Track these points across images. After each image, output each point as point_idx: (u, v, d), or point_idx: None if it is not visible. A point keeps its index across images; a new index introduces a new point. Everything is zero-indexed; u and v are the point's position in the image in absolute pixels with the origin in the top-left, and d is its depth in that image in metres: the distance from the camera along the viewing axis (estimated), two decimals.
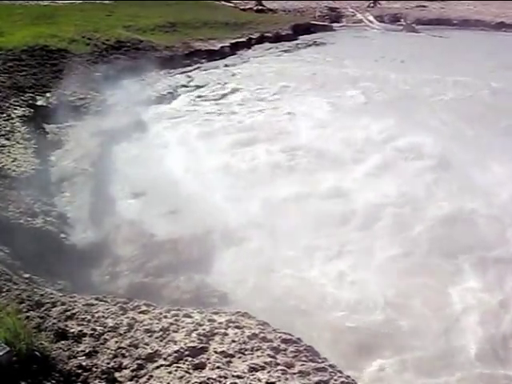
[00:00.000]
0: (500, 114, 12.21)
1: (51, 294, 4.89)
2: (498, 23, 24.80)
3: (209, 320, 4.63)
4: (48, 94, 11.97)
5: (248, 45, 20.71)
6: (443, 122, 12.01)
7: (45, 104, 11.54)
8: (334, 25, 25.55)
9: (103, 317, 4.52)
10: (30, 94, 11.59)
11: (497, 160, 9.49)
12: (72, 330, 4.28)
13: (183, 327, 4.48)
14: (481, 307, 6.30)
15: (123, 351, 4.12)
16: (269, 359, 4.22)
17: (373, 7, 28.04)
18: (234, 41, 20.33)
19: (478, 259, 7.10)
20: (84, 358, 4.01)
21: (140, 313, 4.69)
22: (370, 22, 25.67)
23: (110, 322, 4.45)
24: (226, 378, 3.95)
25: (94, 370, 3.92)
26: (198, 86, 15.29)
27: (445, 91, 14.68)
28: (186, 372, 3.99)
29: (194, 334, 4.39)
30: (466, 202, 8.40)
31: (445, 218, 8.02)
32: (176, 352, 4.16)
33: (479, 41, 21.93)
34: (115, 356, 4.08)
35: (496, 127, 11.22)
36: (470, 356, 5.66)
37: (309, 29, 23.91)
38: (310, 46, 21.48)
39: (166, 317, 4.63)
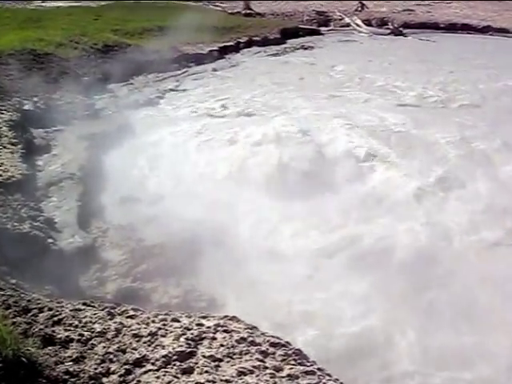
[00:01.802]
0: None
1: (38, 299, 4.86)
2: (484, 27, 24.95)
3: (197, 324, 4.62)
4: (35, 99, 11.89)
5: (236, 49, 20.70)
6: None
7: (32, 108, 11.47)
8: (322, 29, 25.57)
9: (91, 322, 4.50)
10: (17, 99, 11.51)
11: None
12: (59, 336, 4.26)
13: (171, 332, 4.47)
14: None
15: (111, 356, 4.10)
16: (257, 363, 4.21)
17: (360, 11, 28.14)
18: (222, 45, 20.29)
19: None
20: (71, 363, 3.99)
21: (128, 317, 4.67)
22: (358, 25, 25.74)
23: (98, 327, 4.43)
24: (214, 382, 3.94)
25: (82, 375, 3.89)
26: (186, 90, 15.28)
27: (429, 92, 14.76)
28: (174, 377, 3.97)
29: (182, 339, 4.37)
30: None
31: None
32: (164, 357, 4.14)
33: (465, 44, 22.09)
34: (103, 361, 4.05)
35: None
36: None
37: (297, 33, 23.91)
38: (298, 49, 21.48)
39: (153, 321, 4.62)
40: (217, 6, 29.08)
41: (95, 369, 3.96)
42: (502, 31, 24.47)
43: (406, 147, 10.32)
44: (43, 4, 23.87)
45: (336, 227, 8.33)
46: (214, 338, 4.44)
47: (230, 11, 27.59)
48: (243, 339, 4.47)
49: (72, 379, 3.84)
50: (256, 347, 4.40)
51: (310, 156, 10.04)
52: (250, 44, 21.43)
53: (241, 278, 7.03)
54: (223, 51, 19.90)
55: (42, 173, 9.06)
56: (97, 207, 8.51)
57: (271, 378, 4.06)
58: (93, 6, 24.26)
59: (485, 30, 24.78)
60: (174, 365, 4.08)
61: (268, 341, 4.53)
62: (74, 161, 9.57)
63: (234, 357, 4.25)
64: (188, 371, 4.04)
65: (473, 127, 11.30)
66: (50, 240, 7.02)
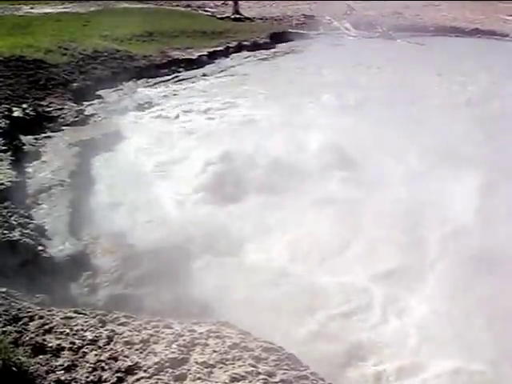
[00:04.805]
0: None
1: (29, 307, 4.83)
2: (472, 29, 25.17)
3: (189, 330, 4.60)
4: (24, 105, 11.84)
5: (226, 53, 20.71)
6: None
7: (21, 115, 11.41)
8: (311, 32, 25.64)
9: (82, 330, 4.47)
10: (6, 106, 11.45)
11: None
12: (50, 344, 4.23)
13: (163, 338, 4.45)
14: None
15: (103, 364, 4.08)
16: (250, 368, 4.20)
17: (349, 15, 28.26)
18: (211, 50, 20.30)
19: None
20: (63, 372, 3.97)
21: (119, 325, 4.64)
22: (347, 29, 25.88)
23: (89, 335, 4.41)
24: None
25: None
26: (175, 96, 15.27)
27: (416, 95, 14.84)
28: None
29: (174, 345, 4.35)
30: None
31: None
32: (156, 364, 4.13)
33: (454, 46, 22.21)
34: (94, 369, 4.03)
35: None
36: None
37: (286, 37, 24.01)
38: (287, 53, 21.54)
39: (145, 328, 4.59)
40: (206, 10, 29.10)
41: (87, 377, 3.94)
42: (490, 33, 24.69)
43: None
44: (32, 10, 23.74)
45: None
46: (206, 344, 4.42)
47: (219, 16, 27.59)
48: (236, 345, 4.46)
49: None
50: (249, 352, 4.39)
51: None
52: (239, 49, 21.46)
53: None
54: (213, 56, 19.91)
55: (31, 180, 9.01)
56: (87, 213, 8.46)
57: (264, 383, 4.05)
58: (82, 12, 24.15)
59: (473, 32, 24.98)
60: (167, 372, 4.06)
61: (261, 346, 4.52)
62: (64, 167, 9.53)
63: (227, 363, 4.24)
64: (181, 378, 4.02)
65: None
66: (40, 247, 6.96)
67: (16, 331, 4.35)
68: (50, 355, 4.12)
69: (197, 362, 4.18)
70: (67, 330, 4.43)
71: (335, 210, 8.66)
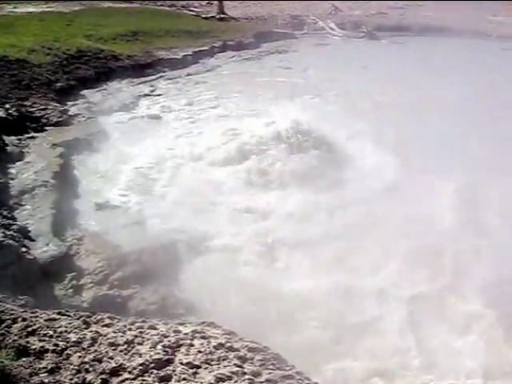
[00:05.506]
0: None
1: (12, 309, 4.77)
2: (457, 30, 25.34)
3: (174, 331, 4.58)
4: (7, 105, 11.73)
5: (211, 53, 20.72)
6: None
7: (4, 115, 11.31)
8: (296, 32, 25.70)
9: (66, 331, 4.43)
10: None
11: None
12: (33, 347, 4.18)
13: (148, 339, 4.42)
14: None
15: (87, 366, 4.04)
16: (236, 369, 4.18)
17: (334, 14, 28.35)
18: (196, 49, 20.31)
19: None
20: (46, 374, 3.92)
21: (104, 326, 4.61)
22: (332, 29, 25.95)
23: (73, 337, 4.36)
24: None
25: None
26: (160, 95, 15.25)
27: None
28: None
29: (159, 346, 4.33)
30: None
31: None
32: (141, 365, 4.09)
33: (436, 46, 22.34)
34: (79, 371, 3.99)
35: None
36: None
37: (271, 37, 24.03)
38: (272, 53, 21.59)
39: (130, 329, 4.56)
40: (191, 10, 29.02)
41: (71, 379, 3.90)
42: (475, 33, 24.90)
43: None
44: (15, 9, 23.51)
45: None
46: (191, 345, 4.40)
47: (203, 16, 27.51)
48: (221, 345, 4.45)
49: None
50: (234, 353, 4.38)
51: None
52: (224, 48, 21.48)
53: None
54: (198, 56, 19.89)
55: (14, 181, 8.93)
56: (71, 214, 8.40)
57: (250, 383, 4.04)
58: (65, 12, 23.93)
59: (457, 32, 25.15)
60: (152, 373, 4.03)
61: (246, 346, 4.50)
62: (48, 168, 9.46)
63: (212, 363, 4.22)
64: (166, 379, 4.00)
65: None
66: (23, 249, 6.90)
67: None
68: (33, 357, 4.08)
69: (182, 363, 4.16)
70: (51, 332, 4.39)
71: None
